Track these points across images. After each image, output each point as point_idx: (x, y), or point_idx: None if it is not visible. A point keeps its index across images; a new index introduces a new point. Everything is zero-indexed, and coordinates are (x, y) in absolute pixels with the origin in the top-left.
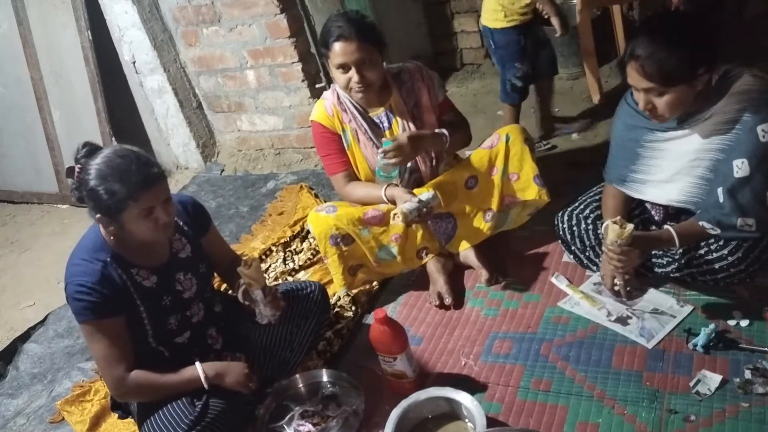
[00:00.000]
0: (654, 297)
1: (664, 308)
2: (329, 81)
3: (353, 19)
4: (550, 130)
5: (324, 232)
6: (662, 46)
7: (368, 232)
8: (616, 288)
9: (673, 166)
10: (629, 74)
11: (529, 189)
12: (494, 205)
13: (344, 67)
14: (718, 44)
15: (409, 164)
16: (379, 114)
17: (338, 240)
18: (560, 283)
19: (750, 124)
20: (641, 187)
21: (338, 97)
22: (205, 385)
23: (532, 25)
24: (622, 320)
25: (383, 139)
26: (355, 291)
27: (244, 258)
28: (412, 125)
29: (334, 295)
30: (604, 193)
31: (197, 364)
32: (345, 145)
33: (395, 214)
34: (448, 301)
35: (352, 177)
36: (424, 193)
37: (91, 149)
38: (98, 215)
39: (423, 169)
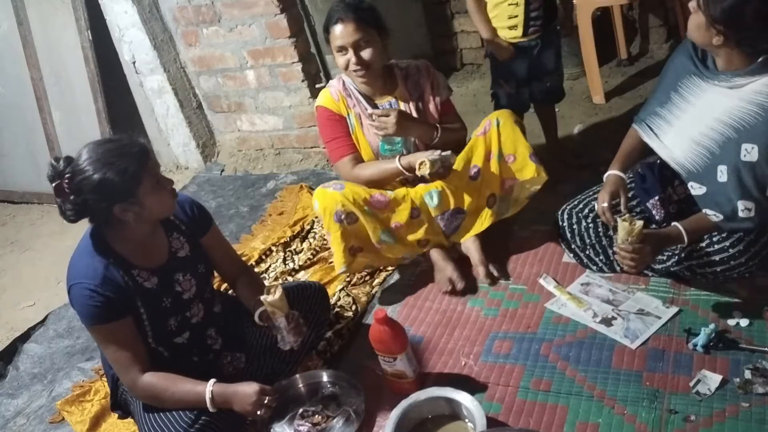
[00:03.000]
0: (640, 298)
1: (649, 309)
2: (329, 81)
3: (351, 3)
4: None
5: (329, 208)
6: None
7: (372, 215)
8: (608, 216)
9: (689, 125)
10: None
11: (527, 168)
12: (496, 190)
13: (343, 50)
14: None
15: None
16: (384, 103)
17: (342, 217)
18: (548, 284)
19: None
20: (654, 134)
21: (344, 84)
22: (211, 409)
23: (530, 48)
24: (607, 321)
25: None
26: (355, 291)
27: (267, 286)
28: (415, 115)
29: (334, 295)
30: (626, 137)
31: (209, 384)
32: (350, 128)
33: (422, 163)
34: (459, 285)
35: (359, 160)
36: (441, 152)
37: (66, 158)
38: (116, 206)
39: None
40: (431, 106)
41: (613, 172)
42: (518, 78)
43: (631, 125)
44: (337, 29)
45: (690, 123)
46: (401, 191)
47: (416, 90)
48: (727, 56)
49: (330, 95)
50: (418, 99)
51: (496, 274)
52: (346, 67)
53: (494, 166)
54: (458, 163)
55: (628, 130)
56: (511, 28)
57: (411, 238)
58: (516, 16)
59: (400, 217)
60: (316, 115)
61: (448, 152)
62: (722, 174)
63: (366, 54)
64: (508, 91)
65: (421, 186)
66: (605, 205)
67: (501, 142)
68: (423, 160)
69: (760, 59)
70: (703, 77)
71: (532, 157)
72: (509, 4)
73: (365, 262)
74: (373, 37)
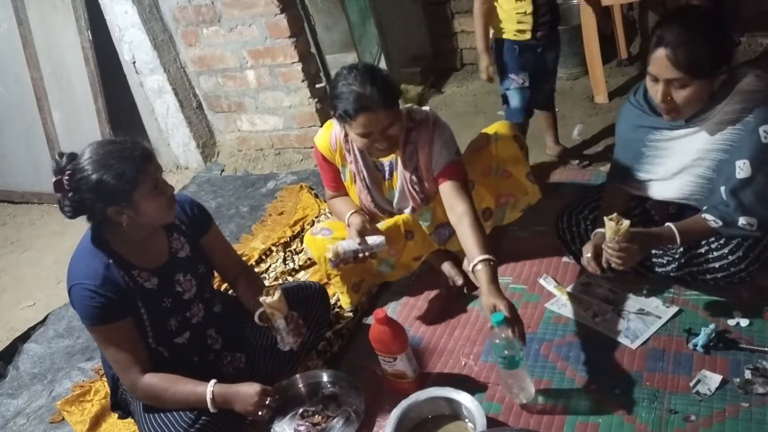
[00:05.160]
0: (640, 298)
1: (649, 309)
2: (329, 81)
3: (373, 82)
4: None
5: (323, 255)
6: (696, 36)
7: None
8: (596, 267)
9: (675, 165)
10: (654, 62)
11: (523, 186)
12: (491, 204)
13: (368, 135)
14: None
15: (393, 201)
16: (385, 162)
17: (338, 261)
18: (548, 284)
19: (752, 125)
20: (643, 185)
21: (346, 136)
22: (211, 409)
23: (535, 47)
24: (607, 321)
25: (495, 309)
26: None
27: (267, 287)
28: (410, 186)
29: (334, 295)
30: (605, 192)
31: (209, 385)
32: (343, 178)
33: (329, 248)
34: (459, 281)
35: (341, 195)
36: (374, 238)
37: (70, 155)
38: (110, 208)
39: (413, 205)
40: (426, 177)
41: (601, 231)
42: (529, 70)
43: (607, 185)
44: (363, 119)
45: (674, 164)
46: (390, 221)
47: (413, 161)
48: (712, 95)
49: (328, 141)
50: (414, 170)
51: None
52: (368, 148)
53: (491, 182)
54: None
55: (606, 190)
56: (519, 31)
57: (407, 258)
58: (525, 23)
59: (395, 243)
60: (314, 150)
61: (380, 240)
62: (723, 194)
63: (392, 132)
64: (521, 84)
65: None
66: (589, 255)
67: (499, 158)
68: (330, 247)
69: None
70: (670, 128)
71: (528, 177)
72: (517, 13)
73: (368, 286)
74: (398, 114)
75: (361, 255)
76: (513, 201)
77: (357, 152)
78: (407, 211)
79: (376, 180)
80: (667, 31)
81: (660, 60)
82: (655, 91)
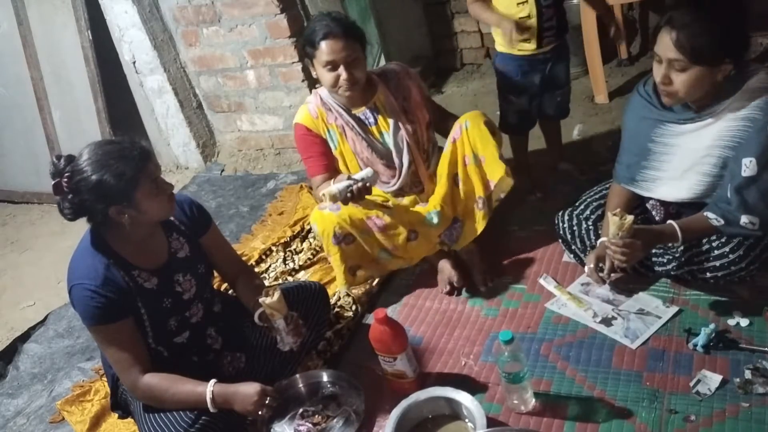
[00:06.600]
0: (640, 298)
1: (649, 309)
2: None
3: (339, 18)
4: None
5: (327, 230)
6: (702, 21)
7: (369, 236)
8: (602, 275)
9: (683, 163)
10: (659, 40)
11: (496, 169)
12: (481, 192)
13: (332, 65)
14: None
15: (406, 162)
16: (363, 111)
17: (341, 239)
18: (548, 284)
19: (761, 122)
20: (651, 185)
21: (321, 99)
22: (211, 409)
23: (543, 61)
24: (607, 321)
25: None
26: (355, 291)
27: (266, 288)
28: (405, 121)
29: (334, 295)
30: (610, 191)
31: (209, 385)
32: (332, 146)
33: (324, 194)
34: (458, 283)
35: (331, 177)
36: (361, 172)
37: (68, 157)
38: (112, 208)
39: (421, 171)
40: (420, 107)
41: (605, 240)
42: (532, 92)
43: (615, 184)
44: (329, 45)
45: (682, 162)
46: (400, 210)
47: (400, 92)
48: (717, 87)
49: (308, 112)
50: (404, 100)
51: (490, 284)
52: (334, 85)
53: (472, 170)
54: (442, 169)
55: (613, 190)
56: (524, 41)
57: (407, 256)
58: (529, 29)
59: (396, 241)
60: (294, 131)
61: (368, 171)
62: (728, 191)
63: (357, 71)
64: (520, 107)
65: (419, 208)
66: (591, 266)
67: (473, 145)
68: (324, 193)
69: (730, 76)
70: (678, 122)
71: (501, 158)
72: (520, 17)
73: (366, 275)
74: (360, 53)
75: (355, 188)
76: (497, 186)
77: (338, 108)
78: (405, 158)
79: (365, 129)
80: (677, 12)
81: (663, 39)
82: (658, 72)
